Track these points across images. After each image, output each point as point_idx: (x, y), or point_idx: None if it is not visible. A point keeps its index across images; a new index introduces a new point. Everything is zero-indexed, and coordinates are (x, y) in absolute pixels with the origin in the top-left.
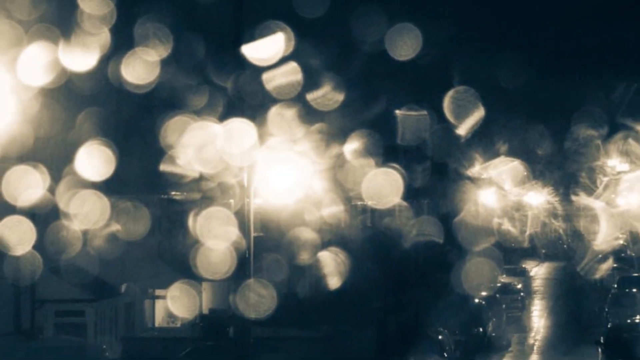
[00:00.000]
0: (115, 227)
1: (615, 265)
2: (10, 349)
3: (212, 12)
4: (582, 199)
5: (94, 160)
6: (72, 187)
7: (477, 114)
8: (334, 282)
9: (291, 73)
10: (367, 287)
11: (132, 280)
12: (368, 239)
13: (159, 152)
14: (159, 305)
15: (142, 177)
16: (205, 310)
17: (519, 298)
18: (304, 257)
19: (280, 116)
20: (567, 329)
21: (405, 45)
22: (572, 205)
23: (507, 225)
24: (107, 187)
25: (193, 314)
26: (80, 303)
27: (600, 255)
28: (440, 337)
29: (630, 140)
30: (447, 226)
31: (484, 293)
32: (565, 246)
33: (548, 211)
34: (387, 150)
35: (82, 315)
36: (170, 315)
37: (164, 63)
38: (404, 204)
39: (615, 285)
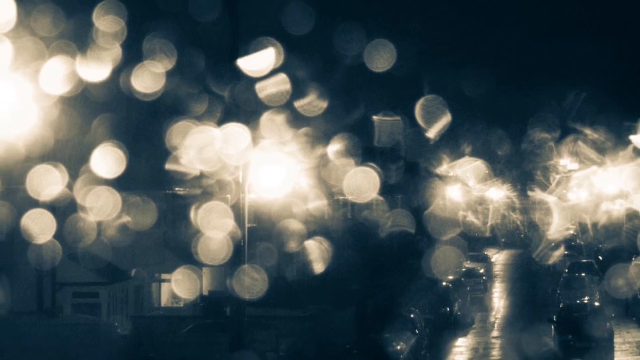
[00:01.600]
0: (126, 218)
1: (566, 252)
2: (34, 326)
3: (211, 30)
4: (537, 194)
5: (107, 160)
6: (88, 184)
7: (445, 119)
8: (318, 267)
9: (281, 83)
10: (347, 271)
11: (140, 265)
12: (348, 230)
13: (164, 153)
14: (165, 287)
15: (149, 174)
16: (205, 292)
17: (482, 281)
18: (292, 246)
19: (271, 121)
20: (524, 308)
21: (381, 59)
22: (528, 199)
23: (471, 217)
24: (118, 183)
25: (194, 295)
26: (95, 286)
27: (552, 244)
28: (412, 315)
29: (580, 143)
30: (418, 218)
31: (450, 277)
32: (522, 235)
33: (507, 205)
34: (365, 151)
35: (96, 297)
36: (175, 297)
37: (169, 74)
38: (380, 198)
39: (566, 270)
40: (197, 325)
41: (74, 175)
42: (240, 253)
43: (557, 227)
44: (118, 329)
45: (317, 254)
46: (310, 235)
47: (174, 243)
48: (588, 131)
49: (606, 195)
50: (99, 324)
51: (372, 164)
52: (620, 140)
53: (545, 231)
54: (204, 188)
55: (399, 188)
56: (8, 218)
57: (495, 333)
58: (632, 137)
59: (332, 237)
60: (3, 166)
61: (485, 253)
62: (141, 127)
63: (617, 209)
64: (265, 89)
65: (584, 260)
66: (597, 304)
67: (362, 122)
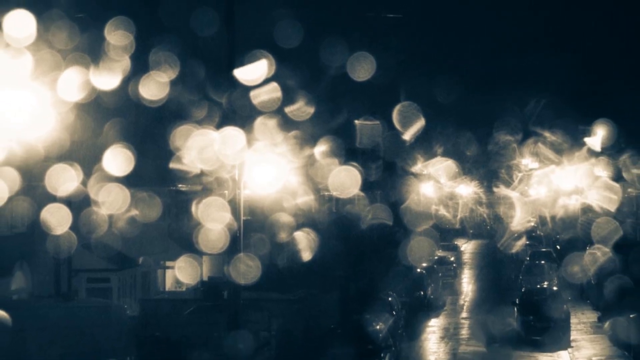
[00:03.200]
0: (134, 212)
1: (527, 242)
2: (52, 308)
3: (210, 44)
4: (501, 190)
5: (117, 160)
6: (100, 181)
7: (419, 123)
8: (306, 255)
9: (272, 91)
10: (332, 259)
11: (147, 254)
12: (333, 222)
13: (168, 153)
14: (169, 273)
15: (155, 173)
16: (205, 278)
17: (452, 268)
18: (283, 236)
19: (264, 125)
20: (490, 292)
21: (361, 69)
22: (493, 195)
23: (442, 211)
24: (127, 181)
25: (195, 280)
26: (107, 272)
27: (515, 235)
28: (390, 299)
29: (539, 144)
30: (395, 212)
31: (424, 264)
32: (488, 227)
33: (475, 200)
34: (347, 151)
35: (108, 282)
36: (178, 282)
37: (172, 83)
38: (361, 194)
39: (528, 258)
40: (198, 307)
41: (87, 173)
42: (236, 243)
43: (519, 219)
44: (127, 310)
45: (305, 244)
46: (298, 227)
47: (177, 234)
48: (547, 134)
49: (563, 191)
50: (110, 306)
51: (354, 164)
52: (576, 142)
53: (509, 223)
54: (204, 185)
55: (378, 185)
56: (29, 212)
57: (464, 314)
58: (586, 140)
59: (318, 228)
60: (24, 165)
61: (455, 243)
62: (148, 131)
63: (573, 204)
64: (259, 96)
65: (544, 250)
66: (555, 288)
67: (345, 126)
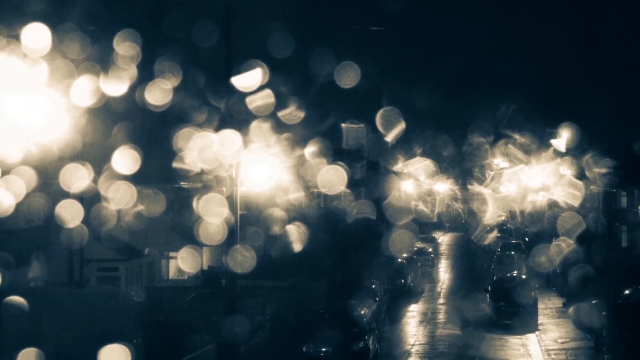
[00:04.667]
0: (140, 207)
1: (498, 234)
2: (65, 295)
3: (210, 54)
4: (475, 187)
5: (125, 160)
6: (109, 179)
7: (400, 126)
8: (297, 247)
9: (266, 97)
10: (320, 250)
11: (152, 245)
12: (321, 216)
13: (171, 154)
14: (172, 263)
15: (159, 171)
16: (205, 267)
17: (430, 258)
18: (276, 229)
19: (259, 128)
20: (464, 280)
21: (348, 77)
22: (468, 191)
23: (421, 206)
24: (134, 179)
25: (196, 269)
26: (115, 262)
27: (488, 228)
28: (373, 286)
29: (510, 145)
30: (378, 207)
31: (404, 255)
32: (463, 221)
33: (451, 196)
34: (335, 152)
35: (116, 271)
36: (180, 271)
37: (175, 90)
38: (347, 191)
39: (499, 249)
40: (199, 294)
41: (98, 172)
42: (233, 235)
43: (491, 214)
44: (134, 297)
45: (296, 236)
46: (290, 221)
47: (180, 227)
48: (516, 136)
49: (531, 188)
50: (119, 293)
51: (340, 163)
52: (543, 143)
53: (482, 217)
54: (204, 182)
55: (363, 182)
56: (44, 207)
57: (441, 300)
58: (552, 141)
59: (308, 222)
60: (40, 165)
61: (433, 235)
62: (153, 133)
63: (540, 200)
64: (254, 102)
65: (513, 241)
66: (524, 276)
67: (332, 129)
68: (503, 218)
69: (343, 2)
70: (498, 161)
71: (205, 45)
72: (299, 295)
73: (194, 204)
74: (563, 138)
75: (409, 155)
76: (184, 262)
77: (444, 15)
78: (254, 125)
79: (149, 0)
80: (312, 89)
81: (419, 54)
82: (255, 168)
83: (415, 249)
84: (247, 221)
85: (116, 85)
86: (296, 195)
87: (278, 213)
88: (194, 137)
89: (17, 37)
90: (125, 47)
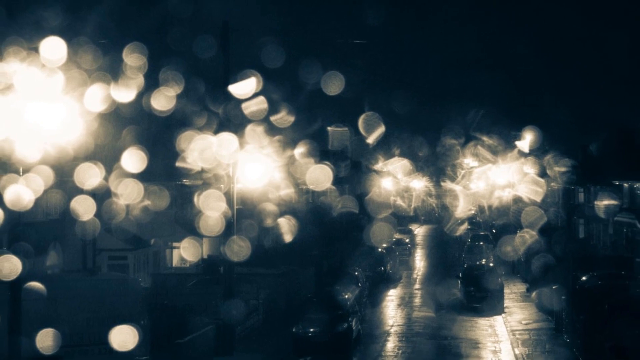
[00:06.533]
0: (147, 202)
1: (469, 227)
2: (79, 281)
3: (209, 64)
4: (447, 184)
5: (133, 159)
6: (119, 177)
7: (380, 130)
8: (287, 238)
9: (260, 103)
10: (309, 241)
11: (157, 236)
12: (310, 210)
13: (175, 154)
14: (175, 252)
15: (164, 170)
16: (205, 256)
17: (407, 248)
18: (268, 222)
19: (253, 131)
20: (438, 268)
21: (333, 85)
22: (441, 188)
23: (399, 201)
24: (141, 176)
25: (197, 258)
26: (124, 251)
27: (459, 221)
28: (356, 273)
29: (479, 147)
30: (360, 202)
31: (384, 245)
32: (436, 214)
33: (426, 192)
34: (321, 153)
35: (125, 259)
36: (182, 259)
37: (178, 97)
38: (333, 187)
39: (469, 240)
40: (199, 280)
41: (108, 170)
42: (230, 227)
43: (462, 208)
44: (141, 282)
45: (287, 228)
46: (281, 214)
47: (182, 220)
48: (485, 138)
49: (498, 185)
50: (127, 279)
51: (326, 163)
52: (508, 145)
53: (454, 211)
54: (204, 180)
55: (347, 180)
56: (61, 202)
57: (417, 286)
58: (516, 143)
59: (298, 215)
60: (57, 164)
61: (410, 227)
62: (158, 135)
63: (506, 195)
64: (249, 108)
65: (482, 233)
66: (491, 264)
67: (319, 132)
68: (473, 212)
69: (329, 18)
70: (468, 161)
71: (205, 56)
72: (289, 282)
73: (195, 199)
74: (526, 140)
75: (388, 155)
76: (186, 252)
77: (419, 30)
78: (249, 128)
79: (155, 17)
80: (301, 96)
81: (397, 64)
82: (250, 167)
83: (394, 239)
84: (243, 215)
85: (125, 93)
86: (287, 191)
87: (271, 207)
88: (195, 139)
89: (36, 50)
90: (133, 58)
